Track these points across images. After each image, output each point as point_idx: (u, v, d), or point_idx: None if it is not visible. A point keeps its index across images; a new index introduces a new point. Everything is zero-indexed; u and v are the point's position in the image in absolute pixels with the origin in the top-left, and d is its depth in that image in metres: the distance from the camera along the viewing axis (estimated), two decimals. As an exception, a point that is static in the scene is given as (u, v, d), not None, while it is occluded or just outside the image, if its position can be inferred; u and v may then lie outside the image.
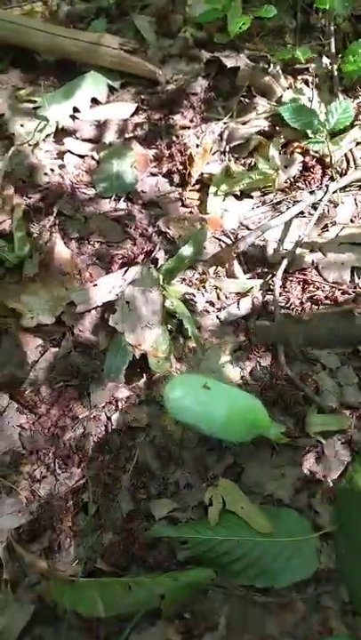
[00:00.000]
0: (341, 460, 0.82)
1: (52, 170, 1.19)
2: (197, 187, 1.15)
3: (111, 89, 1.33)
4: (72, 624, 0.73)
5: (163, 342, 0.92)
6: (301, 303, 0.96)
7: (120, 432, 0.87)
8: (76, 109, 1.28)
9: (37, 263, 1.02)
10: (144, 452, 0.85)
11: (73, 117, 1.27)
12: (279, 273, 0.97)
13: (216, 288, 1.01)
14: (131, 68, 1.31)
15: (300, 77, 1.24)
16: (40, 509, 0.82)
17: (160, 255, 1.05)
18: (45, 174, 1.18)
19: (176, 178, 1.16)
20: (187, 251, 1.01)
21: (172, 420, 0.83)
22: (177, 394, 0.73)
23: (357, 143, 1.11)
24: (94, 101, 1.30)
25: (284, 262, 0.98)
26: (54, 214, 1.10)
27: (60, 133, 1.26)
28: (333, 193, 1.05)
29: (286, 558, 0.74)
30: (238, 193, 1.12)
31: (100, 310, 0.98)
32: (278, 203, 1.10)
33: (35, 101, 1.31)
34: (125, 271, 1.00)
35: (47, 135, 1.25)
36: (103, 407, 0.90)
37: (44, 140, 1.25)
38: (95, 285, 0.99)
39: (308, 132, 1.06)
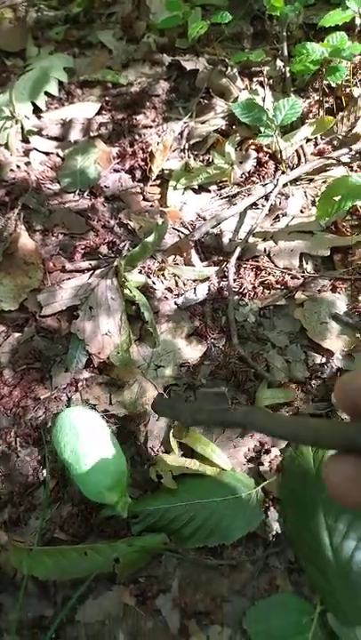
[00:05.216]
0: (289, 430, 0.87)
1: (17, 166, 1.24)
2: (158, 182, 1.21)
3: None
4: (30, 591, 0.76)
5: (123, 344, 0.95)
6: (254, 288, 1.01)
7: (80, 411, 0.91)
8: (35, 106, 1.32)
9: (1, 253, 1.05)
10: (102, 429, 0.89)
11: (39, 117, 1.32)
12: (233, 260, 1.02)
13: (174, 276, 1.06)
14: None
15: (255, 79, 1.31)
16: (1, 485, 0.85)
17: (122, 246, 1.09)
18: (11, 170, 1.22)
19: (138, 173, 1.21)
20: (150, 240, 1.05)
21: None
22: (58, 437, 0.83)
23: (308, 140, 1.18)
24: (48, 95, 1.34)
25: (238, 250, 1.03)
26: (19, 208, 1.14)
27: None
28: (284, 186, 1.11)
29: (233, 515, 0.78)
30: (196, 187, 1.18)
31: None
32: (234, 195, 1.15)
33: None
34: (91, 274, 1.04)
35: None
36: (64, 388, 0.93)
37: (10, 138, 1.29)
38: (61, 288, 1.02)
39: (261, 128, 1.12)
